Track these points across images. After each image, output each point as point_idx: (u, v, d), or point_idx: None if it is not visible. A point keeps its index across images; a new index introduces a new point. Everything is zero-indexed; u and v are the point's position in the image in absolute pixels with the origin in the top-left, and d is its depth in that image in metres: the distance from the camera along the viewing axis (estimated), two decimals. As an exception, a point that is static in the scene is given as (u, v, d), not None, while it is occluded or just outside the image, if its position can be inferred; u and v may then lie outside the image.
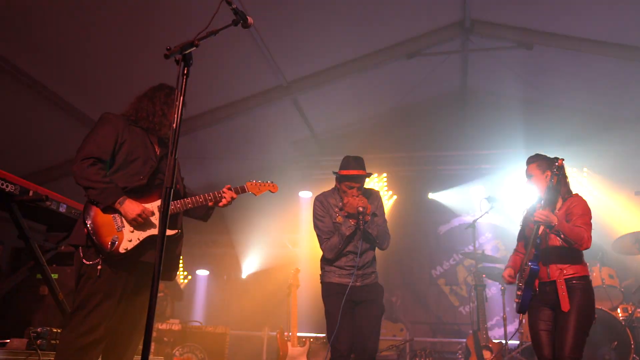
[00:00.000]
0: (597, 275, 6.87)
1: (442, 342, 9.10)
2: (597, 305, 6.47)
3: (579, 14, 7.23)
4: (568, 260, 4.01)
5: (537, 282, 4.05)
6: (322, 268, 4.63)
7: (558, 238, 3.99)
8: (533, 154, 4.39)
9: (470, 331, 6.93)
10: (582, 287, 3.95)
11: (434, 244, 10.07)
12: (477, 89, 10.22)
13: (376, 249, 4.66)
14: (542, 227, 4.02)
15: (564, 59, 8.16)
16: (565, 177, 4.28)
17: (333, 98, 9.10)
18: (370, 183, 10.20)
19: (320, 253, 4.64)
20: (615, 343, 6.06)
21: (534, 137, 9.02)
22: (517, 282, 4.23)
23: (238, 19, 2.85)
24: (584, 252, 4.08)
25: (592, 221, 4.12)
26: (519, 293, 4.14)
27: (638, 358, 6.07)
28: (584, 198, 4.21)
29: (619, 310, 6.67)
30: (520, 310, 4.14)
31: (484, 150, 9.57)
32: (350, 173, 4.51)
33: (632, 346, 6.04)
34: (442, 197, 10.35)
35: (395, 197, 10.52)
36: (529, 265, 4.02)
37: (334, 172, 4.63)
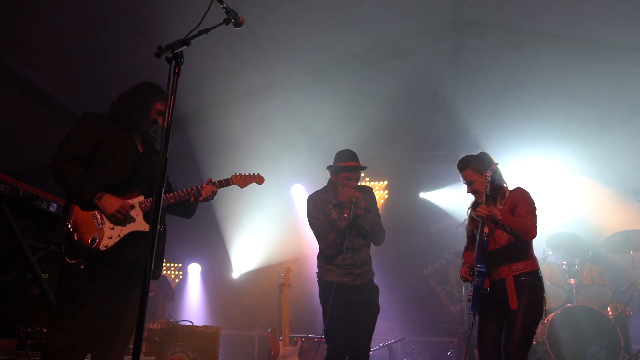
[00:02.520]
0: (587, 274, 6.91)
1: (433, 341, 9.12)
2: (588, 304, 6.54)
3: (569, 14, 7.26)
4: (516, 257, 3.98)
5: (487, 281, 4.01)
6: (319, 267, 4.62)
7: (504, 237, 3.99)
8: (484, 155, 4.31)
9: (461, 330, 6.95)
10: (531, 283, 3.92)
11: (424, 243, 10.08)
12: (468, 88, 10.24)
13: (371, 246, 4.67)
14: (487, 226, 4.02)
15: (554, 60, 8.19)
16: (501, 175, 4.22)
17: (324, 97, 9.10)
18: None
19: (316, 252, 4.65)
20: (605, 342, 6.10)
21: (524, 137, 9.07)
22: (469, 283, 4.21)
23: (229, 18, 2.86)
24: (534, 246, 4.07)
25: (537, 212, 4.04)
26: (470, 294, 4.12)
27: (627, 356, 6.11)
28: (527, 190, 4.16)
29: (608, 308, 6.71)
30: (473, 309, 4.08)
31: (474, 149, 9.57)
32: (349, 164, 4.55)
33: (622, 344, 6.08)
34: (433, 196, 10.38)
35: (386, 196, 10.55)
36: (477, 268, 3.99)
37: (329, 167, 4.66)
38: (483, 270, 3.96)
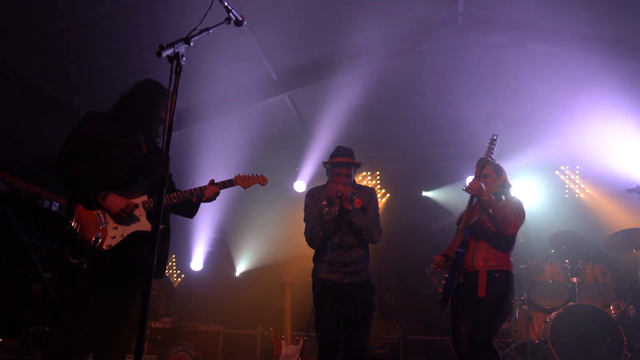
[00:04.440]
0: (590, 272, 6.91)
1: (435, 340, 9.10)
2: (590, 302, 6.54)
3: (571, 11, 7.24)
4: (494, 252, 4.06)
5: (461, 271, 4.08)
6: (314, 263, 4.65)
7: (490, 226, 4.07)
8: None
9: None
10: (502, 281, 3.99)
11: (427, 241, 10.04)
12: (470, 86, 10.21)
13: (369, 246, 4.66)
14: (476, 209, 4.18)
15: (557, 57, 8.17)
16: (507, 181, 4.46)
17: (325, 96, 9.09)
18: (363, 181, 10.22)
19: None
20: (608, 340, 6.09)
21: (527, 133, 9.05)
22: (444, 272, 4.22)
23: (231, 17, 2.85)
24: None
25: (523, 220, 4.19)
26: (444, 282, 4.14)
27: (630, 355, 6.10)
28: (520, 201, 4.33)
29: (611, 307, 6.71)
30: (444, 299, 4.13)
31: (477, 147, 9.55)
32: (337, 160, 4.58)
33: (625, 343, 6.07)
34: (435, 194, 10.36)
35: (388, 194, 10.55)
36: (456, 250, 4.06)
37: (324, 163, 4.71)
38: (461, 251, 4.05)
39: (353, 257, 4.49)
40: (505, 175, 4.44)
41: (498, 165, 4.45)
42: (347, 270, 4.46)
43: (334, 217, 4.39)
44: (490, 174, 4.36)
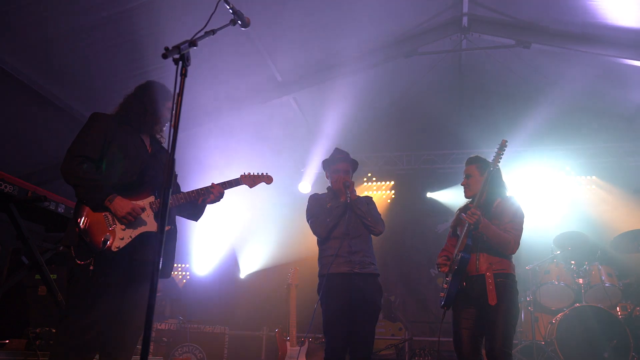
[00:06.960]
0: (596, 273, 6.88)
1: (441, 341, 9.07)
2: (596, 304, 6.52)
3: (576, 12, 7.22)
4: (498, 253, 3.96)
5: (464, 275, 4.01)
6: (319, 262, 4.63)
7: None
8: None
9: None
10: (508, 285, 3.90)
11: (432, 242, 10.04)
12: (475, 87, 10.21)
13: (372, 241, 4.67)
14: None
15: (562, 58, 8.15)
16: (501, 178, 4.23)
17: (330, 97, 9.09)
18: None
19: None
20: (615, 342, 6.07)
21: (531, 135, 9.03)
22: (445, 276, 4.18)
23: (236, 19, 2.86)
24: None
25: (524, 225, 4.07)
26: (446, 286, 4.08)
27: (637, 356, 6.08)
28: (517, 201, 4.15)
29: (617, 308, 6.68)
30: (447, 303, 4.06)
31: (482, 149, 9.56)
32: (335, 157, 4.77)
33: (632, 345, 6.05)
34: (440, 196, 10.35)
35: (393, 195, 10.55)
36: (460, 255, 3.96)
37: (323, 163, 4.85)
38: (465, 256, 3.94)
39: (359, 247, 4.49)
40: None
41: (483, 162, 4.23)
42: (356, 259, 4.43)
43: (343, 204, 4.47)
44: (472, 174, 4.21)
